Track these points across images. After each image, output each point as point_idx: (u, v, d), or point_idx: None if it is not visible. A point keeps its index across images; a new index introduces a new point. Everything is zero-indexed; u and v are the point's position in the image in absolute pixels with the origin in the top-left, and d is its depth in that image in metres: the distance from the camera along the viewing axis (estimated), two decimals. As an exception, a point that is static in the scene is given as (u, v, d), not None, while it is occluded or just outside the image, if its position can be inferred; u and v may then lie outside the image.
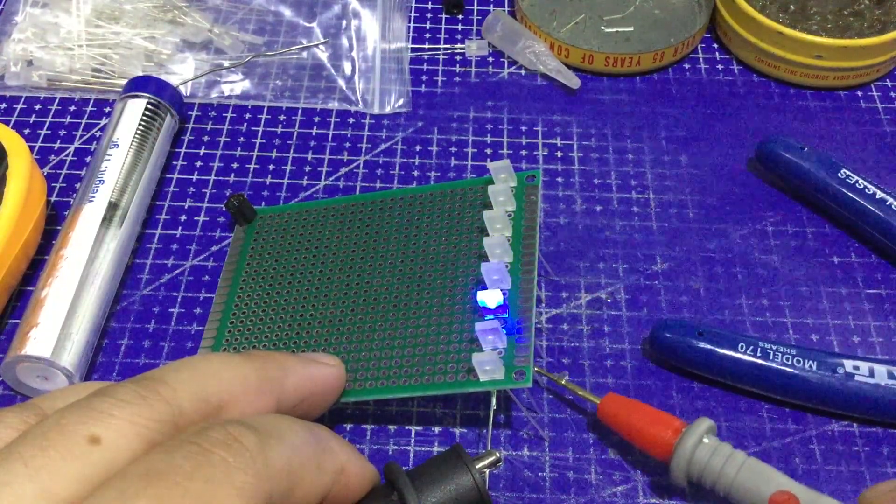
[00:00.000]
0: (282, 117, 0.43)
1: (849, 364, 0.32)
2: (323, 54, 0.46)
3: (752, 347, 0.32)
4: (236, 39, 0.46)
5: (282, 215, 0.37)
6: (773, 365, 0.32)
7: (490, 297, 0.31)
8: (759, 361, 0.32)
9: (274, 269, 0.35)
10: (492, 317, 0.31)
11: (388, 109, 0.44)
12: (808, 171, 0.38)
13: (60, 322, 0.33)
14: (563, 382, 0.32)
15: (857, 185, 0.37)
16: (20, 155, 0.36)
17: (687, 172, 0.41)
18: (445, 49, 0.47)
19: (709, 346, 0.33)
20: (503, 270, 0.32)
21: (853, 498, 0.31)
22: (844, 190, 0.38)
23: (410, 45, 0.47)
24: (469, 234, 0.34)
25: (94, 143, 0.42)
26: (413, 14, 0.48)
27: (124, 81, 0.42)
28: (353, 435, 0.32)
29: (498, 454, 0.27)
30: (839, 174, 0.38)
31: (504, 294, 0.31)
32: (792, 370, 0.32)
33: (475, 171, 0.41)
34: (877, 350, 0.35)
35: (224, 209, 0.38)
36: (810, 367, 0.32)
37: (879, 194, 0.37)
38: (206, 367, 0.23)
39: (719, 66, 0.46)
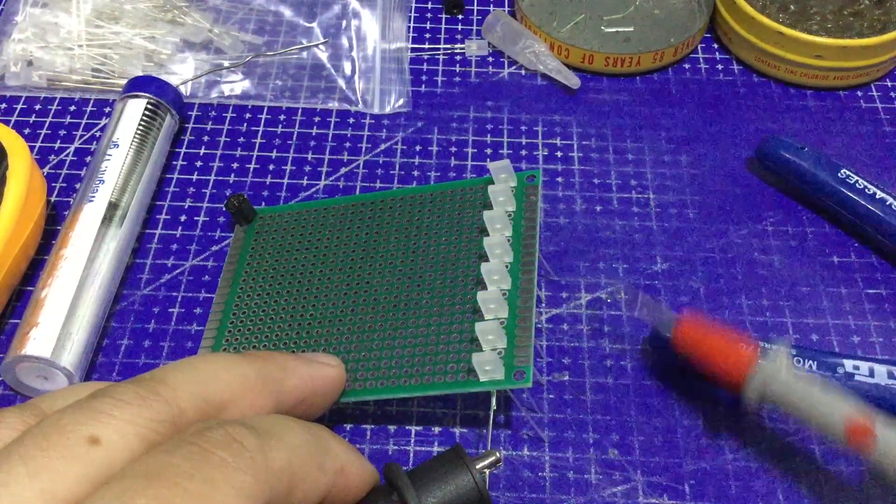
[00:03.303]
0: (282, 117, 0.43)
1: (849, 364, 0.32)
2: (323, 54, 0.46)
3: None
4: (236, 39, 0.46)
5: (282, 215, 0.37)
6: None
7: None
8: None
9: (274, 269, 0.35)
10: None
11: (388, 109, 0.44)
12: (808, 171, 0.38)
13: (60, 322, 0.33)
14: (641, 298, 0.31)
15: (857, 185, 0.37)
16: (20, 155, 0.36)
17: (687, 172, 0.41)
18: (445, 49, 0.47)
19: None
20: (503, 270, 0.32)
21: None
22: (844, 190, 0.38)
23: (410, 45, 0.47)
24: (469, 234, 0.34)
25: (94, 143, 0.42)
26: (413, 14, 0.48)
27: (124, 81, 0.42)
28: (353, 435, 0.32)
29: (498, 454, 0.27)
30: (839, 174, 0.38)
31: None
32: None
33: (475, 171, 0.41)
34: (877, 350, 0.35)
35: (224, 209, 0.38)
36: (810, 366, 0.32)
37: (879, 194, 0.37)
38: (207, 367, 0.23)
39: (719, 66, 0.46)
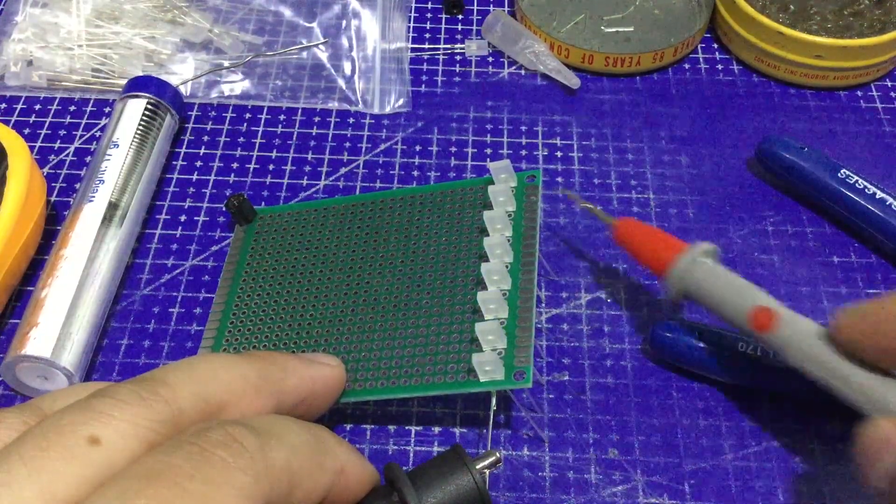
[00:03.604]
0: (282, 117, 0.43)
1: None
2: (323, 54, 0.46)
3: (751, 346, 0.32)
4: (236, 39, 0.46)
5: (282, 215, 0.37)
6: (773, 362, 0.32)
7: None
8: (759, 357, 0.32)
9: (274, 269, 0.35)
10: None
11: (388, 109, 0.44)
12: (808, 171, 0.38)
13: (60, 322, 0.33)
14: (582, 204, 0.34)
15: (856, 185, 0.37)
16: (20, 155, 0.36)
17: (687, 172, 0.41)
18: (445, 49, 0.47)
19: (708, 346, 0.33)
20: (503, 270, 0.32)
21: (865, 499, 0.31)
22: (844, 190, 0.38)
23: (410, 45, 0.47)
24: (469, 234, 0.34)
25: (94, 143, 0.42)
26: (413, 14, 0.48)
27: (124, 81, 0.42)
28: (353, 435, 0.32)
29: (498, 454, 0.27)
30: (839, 174, 0.38)
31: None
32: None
33: (475, 171, 0.41)
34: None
35: (224, 209, 0.38)
36: None
37: (879, 194, 0.37)
38: (206, 367, 0.23)
39: (719, 66, 0.46)
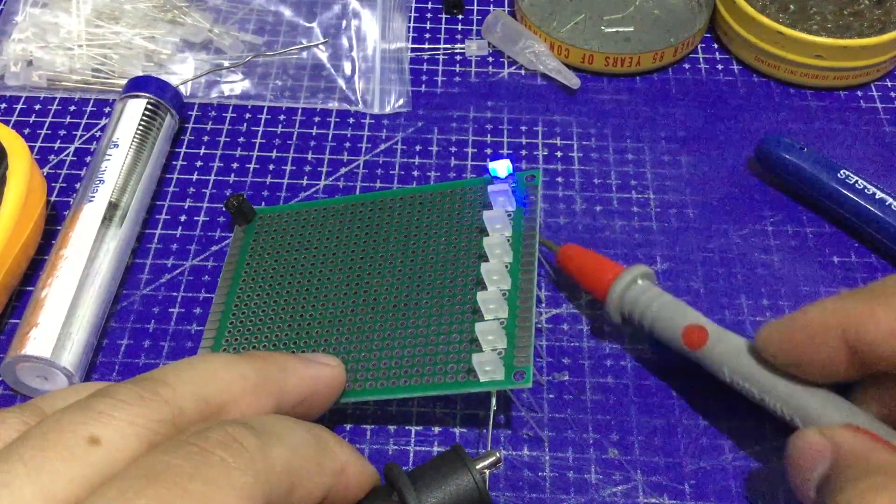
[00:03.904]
0: (282, 117, 0.43)
1: None
2: (323, 54, 0.46)
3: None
4: (236, 39, 0.46)
5: (281, 215, 0.37)
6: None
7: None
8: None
9: (274, 270, 0.35)
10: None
11: (388, 109, 0.44)
12: (807, 171, 0.38)
13: (60, 322, 0.33)
14: (540, 240, 0.34)
15: (856, 185, 0.37)
16: (20, 155, 0.36)
17: (687, 172, 0.41)
18: (445, 49, 0.47)
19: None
20: (503, 270, 0.32)
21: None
22: (844, 190, 0.38)
23: (410, 45, 0.47)
24: (469, 234, 0.34)
25: (94, 143, 0.42)
26: (413, 14, 0.48)
27: (124, 81, 0.42)
28: (352, 435, 0.32)
29: (498, 454, 0.27)
30: (839, 174, 0.38)
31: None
32: None
33: (475, 171, 0.41)
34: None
35: (224, 209, 0.38)
36: None
37: (879, 194, 0.37)
38: (207, 367, 0.24)
39: (719, 66, 0.46)
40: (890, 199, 0.37)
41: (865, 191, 0.37)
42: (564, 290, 0.37)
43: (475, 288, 0.32)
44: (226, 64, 0.45)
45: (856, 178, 0.38)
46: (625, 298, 0.32)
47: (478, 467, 0.26)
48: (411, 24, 0.48)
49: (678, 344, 0.31)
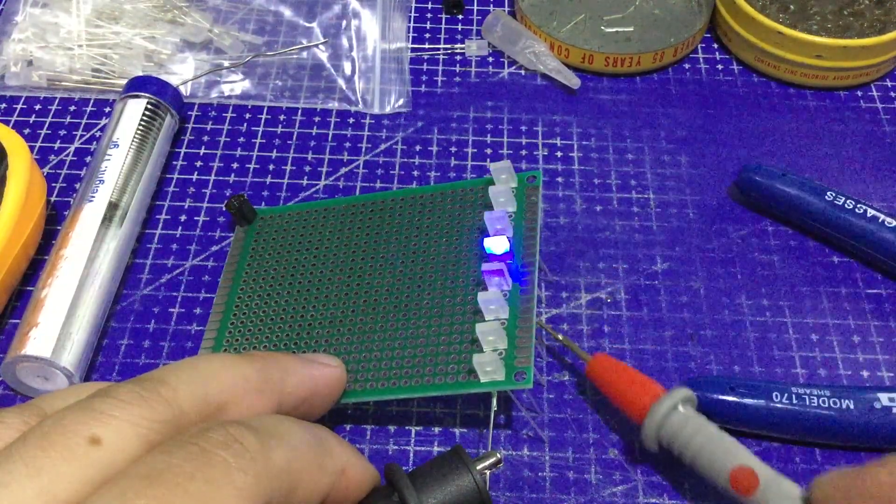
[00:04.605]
0: (282, 117, 0.43)
1: (884, 397, 0.31)
2: (323, 54, 0.46)
3: (786, 395, 0.31)
4: (236, 39, 0.46)
5: (282, 216, 0.37)
6: (811, 410, 0.31)
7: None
8: (797, 409, 0.31)
9: (274, 270, 0.35)
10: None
11: (388, 109, 0.44)
12: (793, 197, 0.37)
13: (60, 322, 0.33)
14: (561, 339, 0.33)
15: (845, 205, 0.37)
16: (20, 155, 0.36)
17: (687, 172, 0.41)
18: (445, 49, 0.47)
19: (743, 401, 0.31)
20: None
21: None
22: (835, 212, 0.37)
23: (410, 45, 0.47)
24: (469, 235, 0.34)
25: (94, 143, 0.42)
26: (413, 14, 0.48)
27: (124, 81, 0.42)
28: (353, 435, 0.32)
29: (499, 455, 0.27)
30: (826, 196, 0.37)
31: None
32: (830, 412, 0.31)
33: (475, 172, 0.41)
34: (877, 350, 0.35)
35: (224, 209, 0.38)
36: (847, 406, 0.31)
37: (871, 212, 0.36)
38: (207, 367, 0.23)
39: (719, 66, 0.46)
40: (882, 216, 0.36)
41: (856, 210, 0.36)
42: (564, 291, 0.37)
43: (476, 288, 0.32)
44: (226, 64, 0.45)
45: (843, 198, 0.37)
46: (664, 427, 0.30)
47: (478, 468, 0.26)
48: (411, 24, 0.48)
49: (724, 484, 0.28)
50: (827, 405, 0.31)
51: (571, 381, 0.34)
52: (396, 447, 0.32)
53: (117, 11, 0.45)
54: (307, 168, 0.41)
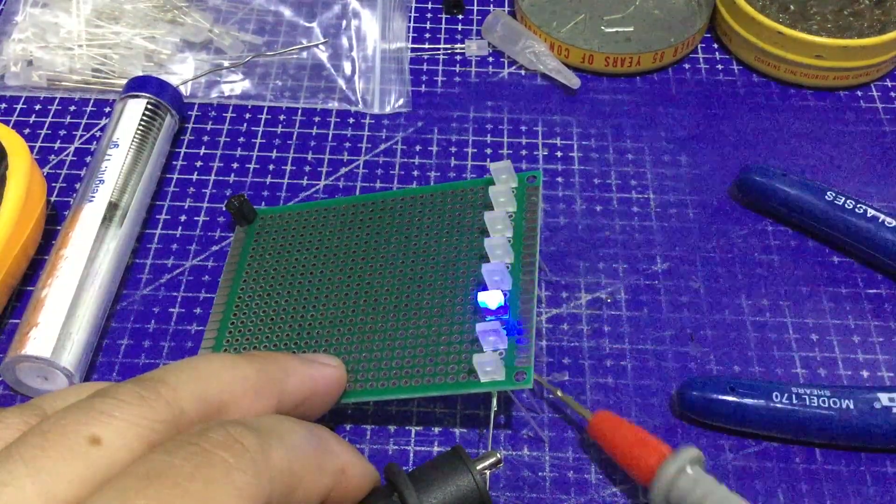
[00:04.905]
0: (282, 117, 0.43)
1: (884, 397, 0.31)
2: (323, 54, 0.46)
3: (786, 395, 0.31)
4: (236, 39, 0.46)
5: (282, 216, 0.37)
6: (811, 410, 0.31)
7: (491, 298, 0.31)
8: (797, 409, 0.31)
9: (275, 270, 0.35)
10: (493, 318, 0.31)
11: (388, 109, 0.44)
12: (793, 197, 0.37)
13: (60, 322, 0.33)
14: (559, 395, 0.32)
15: (845, 205, 0.37)
16: (20, 155, 0.36)
17: (687, 172, 0.41)
18: (445, 49, 0.47)
19: (743, 401, 0.31)
20: (504, 271, 0.32)
21: None
22: (835, 212, 0.37)
23: (410, 45, 0.47)
24: (470, 235, 0.34)
25: (94, 143, 0.42)
26: (413, 14, 0.48)
27: (124, 81, 0.42)
28: (353, 435, 0.32)
29: (499, 455, 0.27)
30: (826, 196, 0.37)
31: (505, 295, 0.31)
32: (830, 412, 0.31)
33: (475, 172, 0.41)
34: (877, 350, 0.35)
35: (224, 209, 0.38)
36: (847, 406, 0.31)
37: (871, 212, 0.36)
38: (207, 367, 0.23)
39: (719, 66, 0.46)
40: (882, 216, 0.36)
41: (856, 210, 0.36)
42: (564, 291, 0.37)
43: (476, 288, 0.32)
44: (226, 64, 0.45)
45: (843, 198, 0.37)
46: (673, 490, 0.29)
47: (478, 468, 0.26)
48: (411, 24, 0.48)
49: None
50: (827, 405, 0.31)
51: (571, 381, 0.34)
52: (396, 447, 0.32)
53: (117, 11, 0.45)
54: (307, 168, 0.41)
